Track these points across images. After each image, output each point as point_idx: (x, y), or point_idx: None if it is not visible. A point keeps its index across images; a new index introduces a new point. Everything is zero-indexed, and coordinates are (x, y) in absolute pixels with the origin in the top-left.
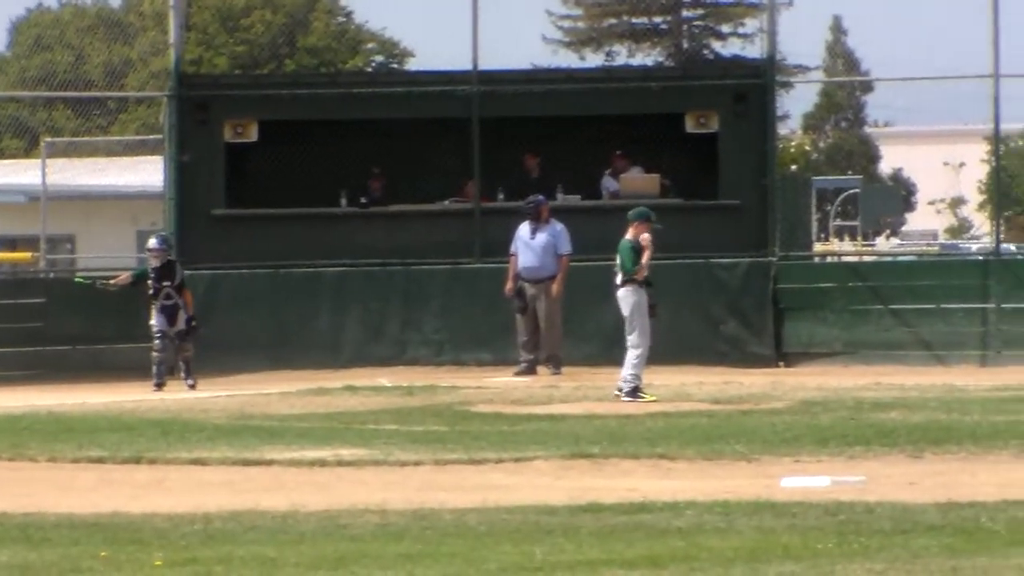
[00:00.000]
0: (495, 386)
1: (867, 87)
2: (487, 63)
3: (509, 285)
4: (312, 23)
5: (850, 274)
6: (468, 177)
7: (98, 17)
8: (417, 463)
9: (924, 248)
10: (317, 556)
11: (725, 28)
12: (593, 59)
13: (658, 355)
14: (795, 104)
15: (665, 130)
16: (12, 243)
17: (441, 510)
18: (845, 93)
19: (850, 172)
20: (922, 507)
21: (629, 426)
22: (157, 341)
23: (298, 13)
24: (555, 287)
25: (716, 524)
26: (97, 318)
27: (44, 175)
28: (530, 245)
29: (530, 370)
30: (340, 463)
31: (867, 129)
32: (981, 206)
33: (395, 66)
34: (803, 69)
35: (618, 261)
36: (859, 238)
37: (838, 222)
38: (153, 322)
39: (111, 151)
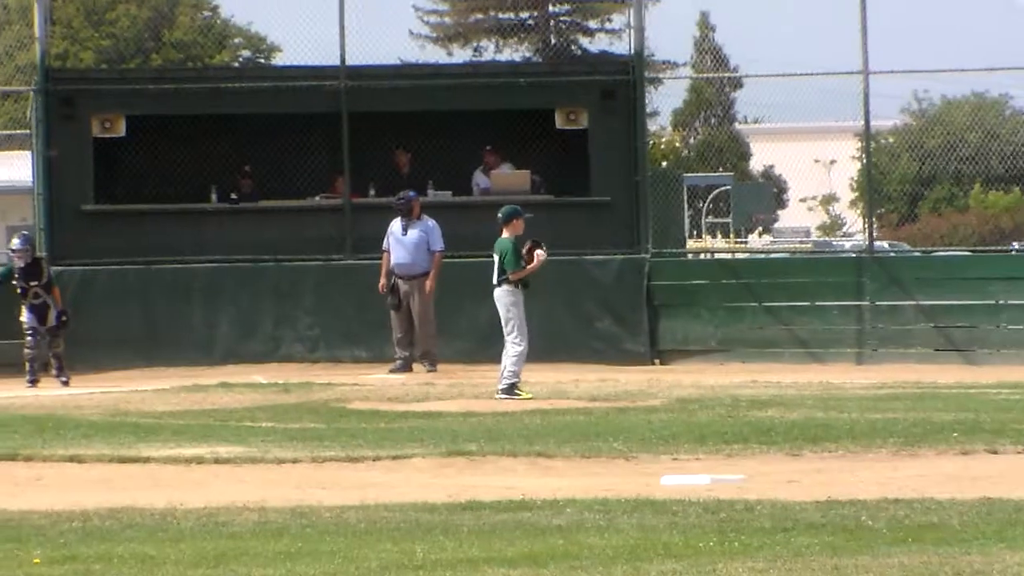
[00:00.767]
0: (371, 383)
1: (737, 84)
2: (355, 58)
3: (382, 282)
4: (178, 17)
5: (724, 271)
6: (338, 173)
7: None
8: (295, 461)
9: (797, 245)
10: (196, 554)
11: (592, 24)
12: (461, 55)
13: (533, 352)
14: (665, 101)
15: (535, 126)
16: None
17: (320, 508)
18: (714, 90)
19: (721, 169)
20: (802, 505)
21: (506, 424)
22: (29, 338)
23: (163, 7)
24: (428, 284)
25: (596, 522)
26: None
27: None
28: (402, 242)
29: (405, 367)
30: (217, 461)
31: (737, 126)
32: (853, 203)
33: (262, 61)
34: (672, 65)
35: (496, 259)
36: (732, 235)
37: (710, 219)
38: (24, 319)
39: None
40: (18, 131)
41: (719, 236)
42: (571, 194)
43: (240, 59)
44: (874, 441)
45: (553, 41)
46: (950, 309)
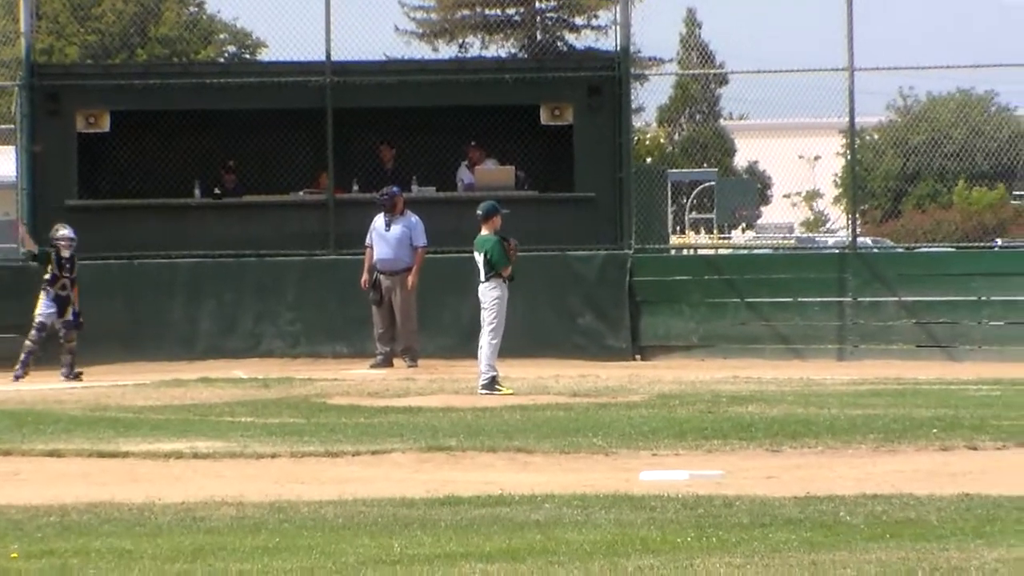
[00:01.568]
0: (351, 378)
1: (722, 80)
2: (340, 54)
3: (365, 277)
4: (163, 13)
5: (706, 267)
6: (322, 168)
7: None
8: (274, 456)
9: (780, 241)
10: (174, 549)
11: (579, 20)
12: (446, 51)
13: (515, 348)
14: (650, 97)
15: (520, 122)
16: None
17: (298, 503)
18: (700, 86)
19: (705, 165)
20: (780, 501)
21: (486, 419)
22: (35, 332)
23: (149, 2)
24: (411, 279)
25: (574, 517)
26: None
27: None
28: (385, 237)
29: (386, 362)
30: (196, 455)
31: (722, 122)
32: (837, 200)
33: (248, 56)
34: (657, 61)
35: (481, 256)
36: (715, 231)
37: (694, 215)
38: (41, 311)
39: None
40: (2, 126)
41: (703, 232)
42: (555, 190)
43: (226, 55)
44: (854, 437)
45: (539, 37)
46: (932, 305)
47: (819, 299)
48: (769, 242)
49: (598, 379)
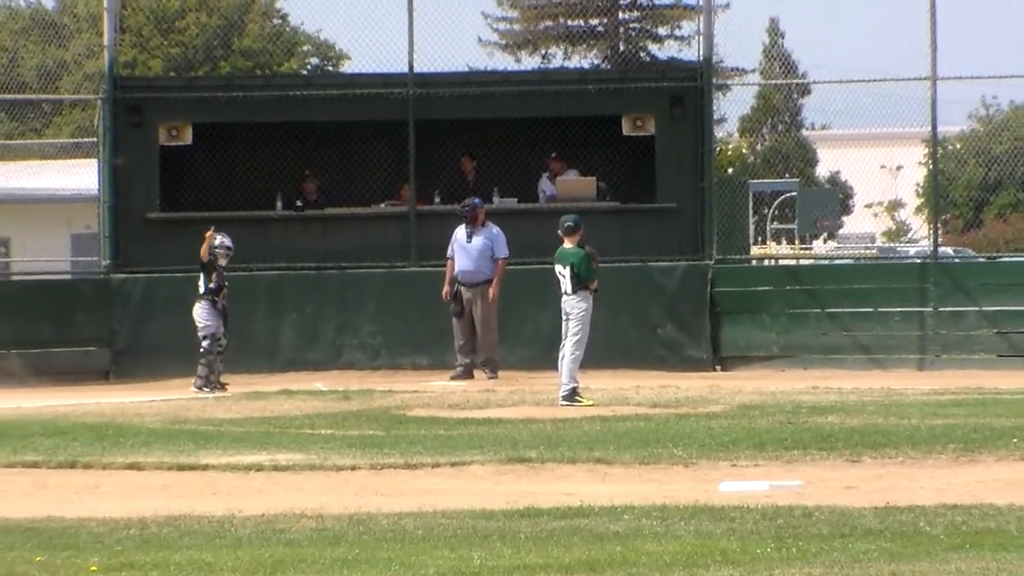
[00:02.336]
0: (431, 390)
1: (804, 90)
2: (423, 65)
3: (446, 289)
4: (247, 25)
5: (787, 277)
6: (404, 180)
7: (32, 19)
8: (354, 468)
9: (862, 251)
10: (254, 561)
11: (662, 31)
12: (529, 62)
13: (595, 359)
14: (732, 107)
15: (602, 133)
16: None
17: (378, 515)
18: (782, 96)
19: (787, 175)
20: (860, 511)
21: (566, 430)
22: (208, 342)
23: (233, 15)
24: (492, 291)
25: (654, 529)
26: (32, 321)
27: None
28: (467, 249)
29: (466, 374)
30: (276, 468)
31: (804, 132)
32: (919, 209)
33: (330, 68)
34: (740, 72)
35: (568, 269)
36: (796, 241)
37: (775, 225)
38: (209, 321)
39: (45, 154)
40: (85, 139)
41: (784, 242)
42: (637, 201)
43: (308, 66)
44: (934, 447)
45: (622, 48)
46: (1014, 315)
47: (900, 309)
48: (850, 252)
49: (678, 390)
